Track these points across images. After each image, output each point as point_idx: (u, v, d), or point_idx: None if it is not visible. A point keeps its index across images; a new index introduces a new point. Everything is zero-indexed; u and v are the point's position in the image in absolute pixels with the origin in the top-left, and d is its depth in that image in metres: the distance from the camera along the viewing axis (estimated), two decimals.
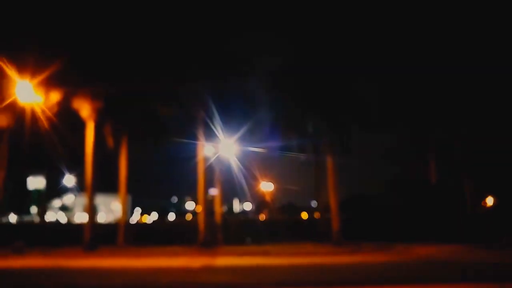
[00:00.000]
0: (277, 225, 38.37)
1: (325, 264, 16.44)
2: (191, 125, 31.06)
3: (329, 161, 28.31)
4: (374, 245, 25.23)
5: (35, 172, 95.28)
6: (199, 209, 30.74)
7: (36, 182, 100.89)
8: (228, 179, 40.62)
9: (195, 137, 31.61)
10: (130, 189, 32.98)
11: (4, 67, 26.32)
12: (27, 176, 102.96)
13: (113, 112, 28.89)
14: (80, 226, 43.56)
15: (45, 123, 28.68)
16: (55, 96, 27.74)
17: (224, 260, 17.67)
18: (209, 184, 31.83)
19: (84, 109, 28.04)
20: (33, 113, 28.00)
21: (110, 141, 30.73)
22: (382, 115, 27.72)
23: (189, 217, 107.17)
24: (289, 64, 29.00)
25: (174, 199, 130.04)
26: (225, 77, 29.37)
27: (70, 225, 45.97)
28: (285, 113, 29.84)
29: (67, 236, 33.39)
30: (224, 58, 28.58)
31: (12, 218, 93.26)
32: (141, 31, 28.19)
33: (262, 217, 64.69)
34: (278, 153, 32.48)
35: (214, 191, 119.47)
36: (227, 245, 29.66)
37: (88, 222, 28.47)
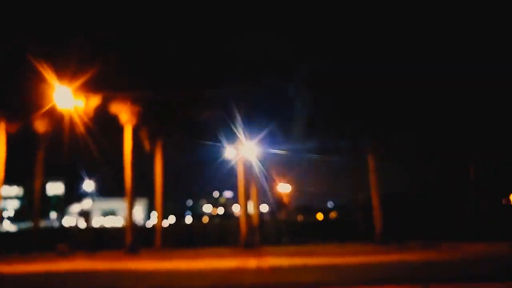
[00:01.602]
0: (310, 226, 38.51)
1: (381, 262, 16.28)
2: (223, 127, 31.27)
3: (371, 162, 28.35)
4: (418, 243, 25.21)
5: (54, 178, 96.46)
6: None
7: (55, 188, 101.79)
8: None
9: (226, 140, 31.85)
10: (146, 193, 33.01)
11: (44, 72, 26.77)
12: (46, 182, 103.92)
13: (152, 116, 29.11)
14: (114, 229, 44.19)
15: (82, 128, 29.06)
16: (94, 101, 28.04)
17: (279, 261, 17.62)
18: (224, 186, 32.11)
19: (124, 113, 28.28)
20: (71, 119, 28.42)
21: (146, 145, 31.01)
22: (422, 115, 27.69)
23: (205, 219, 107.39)
24: (332, 64, 28.94)
25: (189, 202, 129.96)
26: (264, 78, 29.50)
27: (106, 229, 46.14)
28: (325, 114, 29.88)
29: (106, 239, 33.80)
30: (263, 59, 28.66)
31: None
32: (178, 34, 28.38)
33: (300, 218, 64.63)
34: (312, 155, 32.59)
35: (229, 194, 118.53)
36: (265, 245, 29.79)
37: (128, 226, 28.68)
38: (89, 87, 27.45)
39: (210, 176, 31.44)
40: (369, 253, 20.81)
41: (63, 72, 26.89)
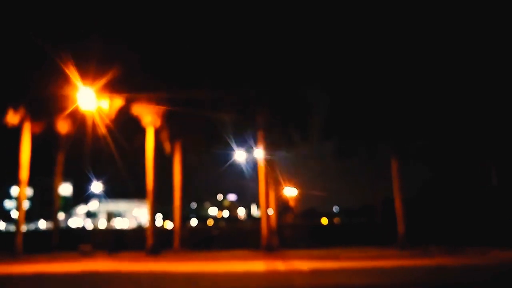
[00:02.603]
0: (323, 230, 38.61)
1: (411, 266, 16.37)
2: (239, 130, 31.43)
3: (394, 166, 28.45)
4: (440, 248, 25.27)
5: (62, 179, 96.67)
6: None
7: (63, 189, 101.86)
8: (247, 184, 41.23)
9: (240, 142, 32.00)
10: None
11: (68, 72, 26.93)
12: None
13: (174, 117, 29.23)
14: (132, 231, 44.36)
15: (104, 130, 29.19)
16: (118, 102, 28.19)
17: (312, 264, 17.70)
18: (227, 189, 32.25)
19: (147, 114, 28.43)
20: (93, 120, 28.54)
21: (167, 147, 31.19)
22: (445, 118, 27.76)
23: (210, 222, 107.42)
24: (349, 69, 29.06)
25: (194, 205, 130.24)
26: (282, 82, 29.64)
27: (125, 230, 46.38)
28: (345, 117, 30.00)
29: (124, 240, 33.95)
30: (284, 65, 28.78)
31: (42, 224, 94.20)
32: (202, 34, 28.47)
33: (325, 221, 64.62)
34: (325, 159, 32.73)
35: (233, 197, 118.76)
36: (284, 249, 29.85)
37: (150, 228, 28.79)
38: (113, 88, 27.67)
39: (216, 179, 31.48)
40: (397, 257, 20.81)
41: (86, 73, 27.13)
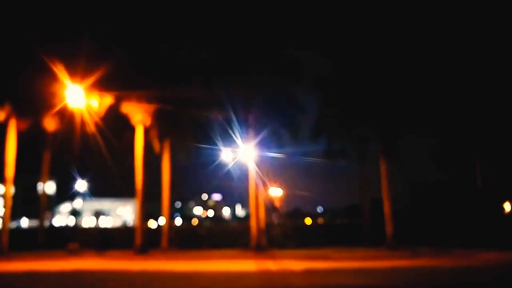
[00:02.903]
0: (308, 230, 38.69)
1: (404, 266, 16.47)
2: (227, 129, 31.29)
3: (382, 166, 28.62)
4: (428, 250, 25.50)
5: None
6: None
7: (47, 187, 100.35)
8: (232, 184, 41.21)
9: (227, 142, 31.89)
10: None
11: (56, 69, 26.62)
12: (38, 181, 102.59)
13: (164, 116, 29.08)
14: (119, 230, 44.00)
15: (92, 128, 28.94)
16: (107, 100, 27.95)
17: (300, 264, 17.73)
18: (212, 189, 32.17)
19: (138, 113, 28.24)
20: (81, 118, 28.24)
21: (156, 145, 30.98)
22: (430, 118, 28.02)
23: (195, 222, 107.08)
24: (337, 69, 29.20)
25: (178, 204, 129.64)
26: (273, 82, 29.65)
27: (111, 229, 45.96)
28: (332, 120, 30.13)
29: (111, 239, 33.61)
30: (273, 62, 28.78)
31: (24, 222, 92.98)
32: (192, 33, 28.39)
33: (309, 221, 64.62)
34: (311, 159, 32.80)
35: (218, 197, 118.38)
36: (272, 248, 29.87)
37: (138, 227, 28.60)
38: (103, 86, 27.42)
39: (202, 178, 31.32)
40: (388, 258, 20.94)
41: (75, 70, 26.84)
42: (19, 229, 66.95)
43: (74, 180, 57.67)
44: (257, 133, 29.72)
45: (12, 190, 30.09)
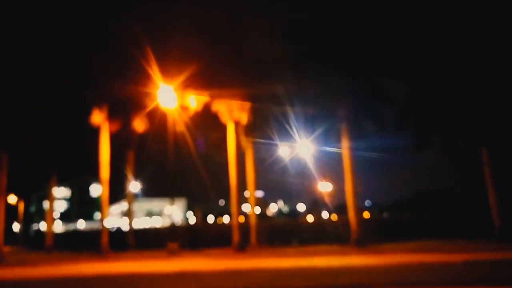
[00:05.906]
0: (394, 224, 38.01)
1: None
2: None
3: (484, 153, 27.90)
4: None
5: (97, 179, 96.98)
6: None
7: (95, 189, 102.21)
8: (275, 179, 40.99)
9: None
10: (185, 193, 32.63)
11: (149, 71, 26.85)
12: (91, 183, 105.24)
13: (253, 113, 29.01)
14: (207, 228, 44.31)
15: (182, 128, 29.11)
16: (203, 99, 28.10)
17: (435, 257, 17.22)
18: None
19: (230, 110, 28.26)
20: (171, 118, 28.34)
21: (244, 143, 30.94)
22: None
23: (241, 219, 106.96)
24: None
25: (222, 202, 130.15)
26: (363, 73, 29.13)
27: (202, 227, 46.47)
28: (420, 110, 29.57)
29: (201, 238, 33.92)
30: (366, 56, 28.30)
31: (81, 224, 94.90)
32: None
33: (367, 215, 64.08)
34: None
35: (260, 193, 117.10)
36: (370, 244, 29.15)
37: (235, 224, 28.56)
38: (196, 85, 27.54)
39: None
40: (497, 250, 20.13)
41: (167, 70, 27.04)
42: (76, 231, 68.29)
43: (125, 180, 58.45)
44: (349, 127, 29.07)
45: (66, 192, 30.63)
